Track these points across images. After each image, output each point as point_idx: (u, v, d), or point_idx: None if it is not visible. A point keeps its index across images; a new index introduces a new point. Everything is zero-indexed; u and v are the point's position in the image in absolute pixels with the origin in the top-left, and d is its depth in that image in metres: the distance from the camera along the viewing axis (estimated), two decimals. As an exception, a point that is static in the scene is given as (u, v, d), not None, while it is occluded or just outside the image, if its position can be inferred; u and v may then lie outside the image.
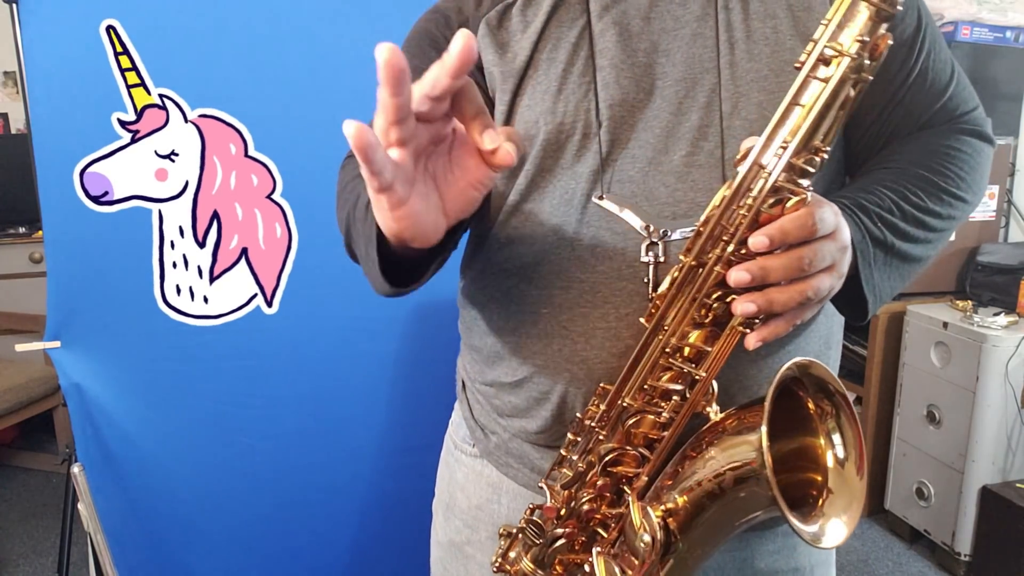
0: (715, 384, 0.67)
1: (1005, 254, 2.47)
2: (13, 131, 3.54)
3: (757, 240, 0.59)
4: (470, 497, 0.90)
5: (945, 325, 2.34)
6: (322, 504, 1.67)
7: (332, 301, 1.56)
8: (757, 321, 0.63)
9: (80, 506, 1.50)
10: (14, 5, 1.35)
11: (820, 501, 0.64)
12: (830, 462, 0.65)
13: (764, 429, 0.59)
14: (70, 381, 1.49)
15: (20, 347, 1.53)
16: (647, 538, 0.65)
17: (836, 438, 0.65)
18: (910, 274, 0.76)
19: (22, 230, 3.21)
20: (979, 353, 2.24)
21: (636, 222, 0.72)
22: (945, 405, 2.37)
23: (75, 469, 1.50)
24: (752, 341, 0.63)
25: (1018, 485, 2.26)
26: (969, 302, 2.41)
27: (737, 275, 0.60)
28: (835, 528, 0.62)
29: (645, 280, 0.72)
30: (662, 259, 0.71)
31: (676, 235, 0.71)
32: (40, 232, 1.62)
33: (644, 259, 0.72)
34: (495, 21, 0.80)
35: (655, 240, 0.71)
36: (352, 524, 1.72)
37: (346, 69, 1.48)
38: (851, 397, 2.90)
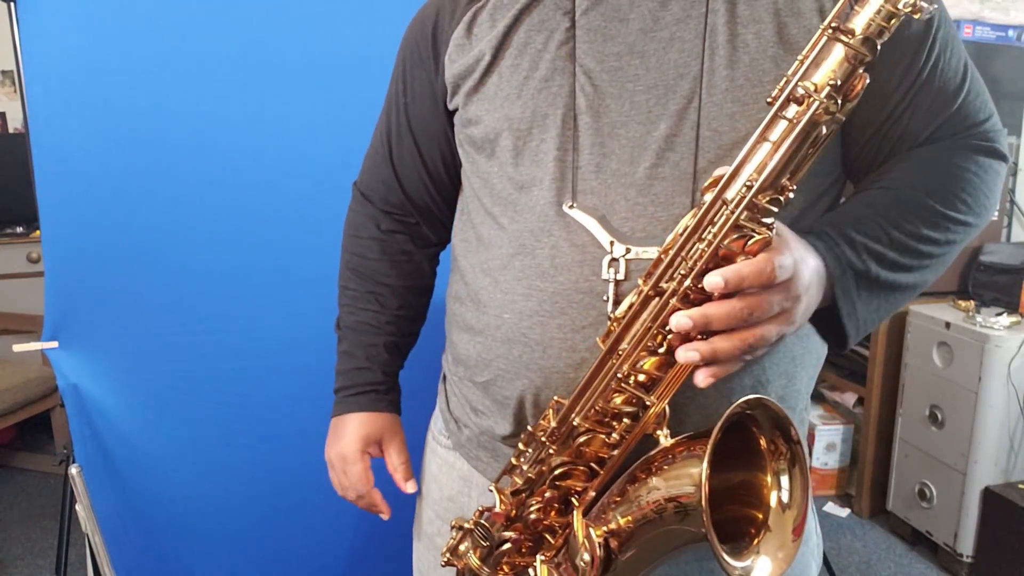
0: (667, 407, 0.67)
1: (1008, 254, 2.46)
2: (11, 130, 3.53)
3: (712, 281, 0.59)
4: (442, 489, 0.92)
5: (948, 325, 2.34)
6: (320, 504, 1.66)
7: (331, 301, 1.55)
8: None
9: (78, 507, 1.49)
10: (12, 3, 1.34)
11: (756, 539, 0.64)
12: (773, 502, 0.65)
13: (705, 467, 0.59)
14: (68, 381, 1.48)
15: (17, 347, 1.52)
16: (587, 557, 0.67)
17: (784, 481, 0.65)
18: (903, 300, 0.73)
19: (20, 230, 3.21)
20: (982, 353, 2.23)
21: (602, 236, 0.71)
22: (947, 406, 2.36)
23: (73, 470, 1.49)
24: (702, 378, 0.62)
25: (1020, 486, 2.25)
26: (971, 302, 2.40)
27: (679, 321, 0.60)
28: (763, 567, 0.63)
29: (604, 298, 0.71)
30: (622, 277, 0.70)
31: (636, 253, 0.70)
32: (38, 232, 1.61)
33: (605, 276, 0.71)
34: (463, 33, 0.80)
35: (616, 256, 0.71)
36: (349, 524, 1.71)
37: (347, 68, 1.48)
38: (853, 398, 2.87)
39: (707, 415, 0.73)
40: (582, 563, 0.67)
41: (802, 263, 0.62)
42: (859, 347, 2.71)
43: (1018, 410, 2.25)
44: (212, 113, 1.45)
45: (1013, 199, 2.69)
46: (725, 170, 0.62)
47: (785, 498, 0.65)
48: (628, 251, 0.70)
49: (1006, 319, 2.27)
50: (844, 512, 2.74)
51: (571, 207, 0.73)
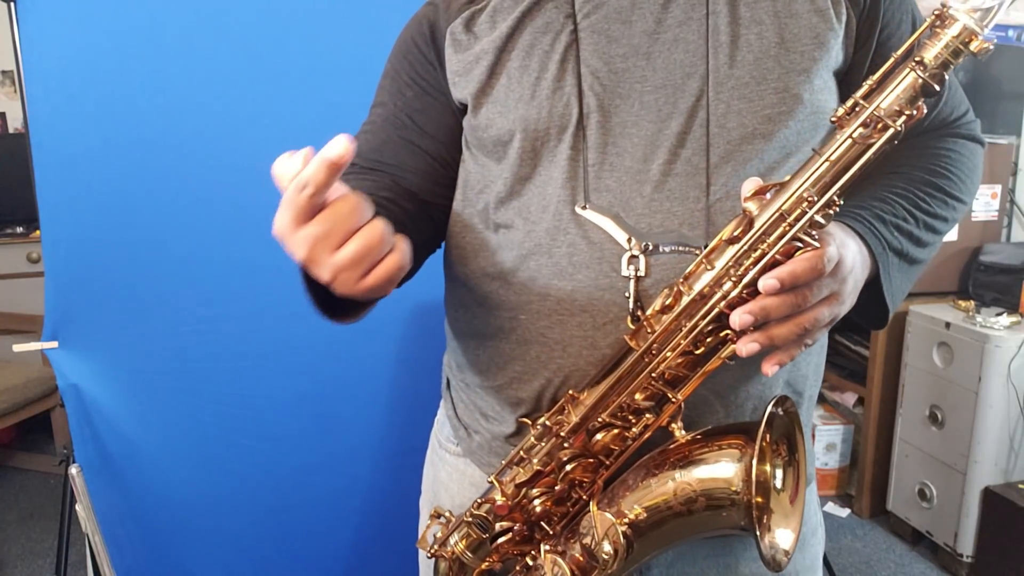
0: (682, 403, 0.69)
1: (1008, 254, 2.46)
2: (11, 130, 3.53)
3: (768, 283, 0.61)
4: (453, 496, 0.91)
5: (948, 325, 2.34)
6: (320, 505, 1.67)
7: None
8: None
9: (78, 507, 1.49)
10: (12, 3, 1.35)
11: (764, 519, 0.68)
12: (770, 488, 0.70)
13: (755, 463, 0.63)
14: (68, 382, 1.48)
15: (18, 347, 1.52)
16: (609, 549, 0.69)
17: (779, 473, 0.70)
18: (916, 276, 0.78)
19: (20, 230, 3.21)
20: (982, 353, 2.23)
21: (619, 234, 0.72)
22: (947, 406, 2.36)
23: (73, 470, 1.49)
24: (768, 367, 0.65)
25: (1020, 486, 2.25)
26: (972, 302, 2.41)
27: (741, 318, 0.62)
28: (783, 537, 0.67)
29: (626, 295, 0.72)
30: (642, 273, 0.71)
31: (661, 249, 0.71)
32: (38, 232, 1.61)
33: (625, 273, 0.72)
34: (460, 28, 0.80)
35: (636, 254, 0.71)
36: (350, 525, 1.71)
37: (346, 68, 1.47)
38: (853, 398, 2.88)
39: (726, 406, 0.75)
40: (605, 555, 0.68)
41: (844, 247, 0.66)
42: (859, 347, 2.71)
43: (1018, 410, 2.25)
44: (212, 113, 1.46)
45: (1013, 199, 2.69)
46: (756, 181, 0.65)
47: (779, 484, 0.70)
48: (648, 247, 0.71)
49: (1006, 319, 2.27)
50: (844, 512, 2.74)
51: (584, 208, 0.73)
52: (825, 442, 2.77)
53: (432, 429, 0.98)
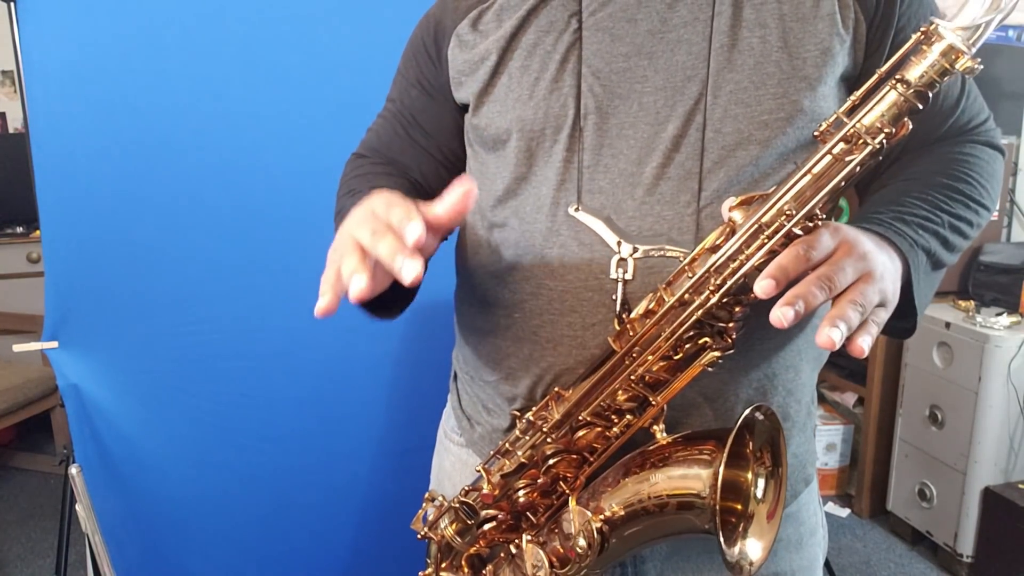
0: (664, 405, 0.70)
1: (1008, 254, 2.46)
2: (11, 130, 3.54)
3: (764, 284, 0.58)
4: (456, 486, 0.91)
5: (948, 325, 2.34)
6: (320, 505, 1.67)
7: (332, 301, 1.55)
8: (721, 362, 0.65)
9: (78, 507, 1.49)
10: (12, 3, 1.35)
11: (739, 527, 0.68)
12: (750, 495, 0.69)
13: (721, 469, 0.62)
14: (68, 382, 1.48)
15: (17, 347, 1.52)
16: (583, 543, 0.70)
17: (760, 482, 0.70)
18: (936, 285, 0.74)
19: (20, 230, 3.21)
20: (982, 354, 2.23)
21: (609, 237, 0.72)
22: (947, 406, 2.36)
23: (73, 470, 1.49)
24: (861, 345, 0.60)
25: (1020, 486, 2.25)
26: (972, 302, 2.41)
27: (782, 313, 0.58)
28: (752, 548, 0.67)
29: (613, 297, 0.72)
30: (630, 277, 0.72)
31: (644, 252, 0.71)
32: (38, 232, 1.61)
33: (613, 275, 0.72)
34: (467, 28, 0.81)
35: (624, 257, 0.72)
36: (350, 525, 1.71)
37: (346, 69, 1.48)
38: (853, 398, 2.87)
39: (715, 407, 0.75)
40: (580, 549, 0.69)
41: (847, 232, 0.62)
42: (859, 347, 2.71)
43: (1018, 410, 2.25)
44: (212, 113, 1.46)
45: (1013, 199, 2.69)
46: (732, 200, 0.64)
47: (759, 494, 0.69)
48: (635, 251, 0.71)
49: (1006, 319, 2.27)
50: (844, 512, 2.74)
51: (576, 210, 0.74)
52: (825, 442, 2.77)
53: (439, 423, 1.00)
